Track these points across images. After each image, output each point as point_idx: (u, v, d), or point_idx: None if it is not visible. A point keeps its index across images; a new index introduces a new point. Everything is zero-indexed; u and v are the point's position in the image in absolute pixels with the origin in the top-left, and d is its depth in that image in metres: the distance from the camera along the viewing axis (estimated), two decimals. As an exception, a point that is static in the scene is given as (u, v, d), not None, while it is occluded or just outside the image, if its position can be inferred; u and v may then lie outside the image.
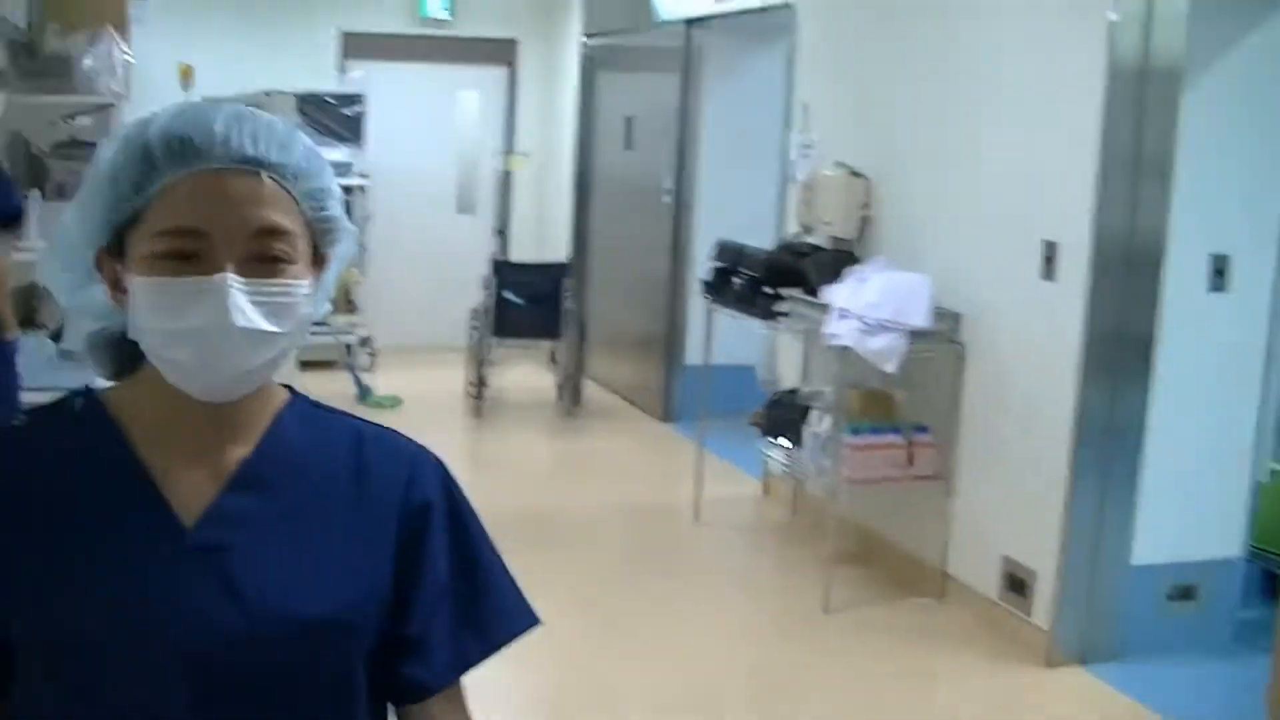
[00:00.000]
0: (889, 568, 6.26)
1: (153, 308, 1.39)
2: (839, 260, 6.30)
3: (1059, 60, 5.26)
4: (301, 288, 1.43)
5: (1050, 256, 5.29)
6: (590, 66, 10.80)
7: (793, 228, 7.14)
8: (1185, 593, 5.38)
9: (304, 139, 1.46)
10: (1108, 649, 5.26)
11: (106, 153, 1.43)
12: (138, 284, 1.40)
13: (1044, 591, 5.33)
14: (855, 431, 5.87)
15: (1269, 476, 5.57)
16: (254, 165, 1.40)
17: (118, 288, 1.45)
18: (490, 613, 1.60)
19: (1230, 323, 5.33)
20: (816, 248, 6.60)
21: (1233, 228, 5.28)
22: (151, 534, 1.44)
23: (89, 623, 1.40)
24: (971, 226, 5.81)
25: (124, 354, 1.50)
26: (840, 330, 5.78)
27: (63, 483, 1.45)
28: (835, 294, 5.94)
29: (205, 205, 1.39)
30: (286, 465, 1.51)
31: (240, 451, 1.49)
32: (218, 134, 1.39)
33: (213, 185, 1.40)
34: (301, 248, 1.44)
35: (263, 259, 1.40)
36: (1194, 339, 5.26)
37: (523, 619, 1.63)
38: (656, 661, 5.39)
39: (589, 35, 10.74)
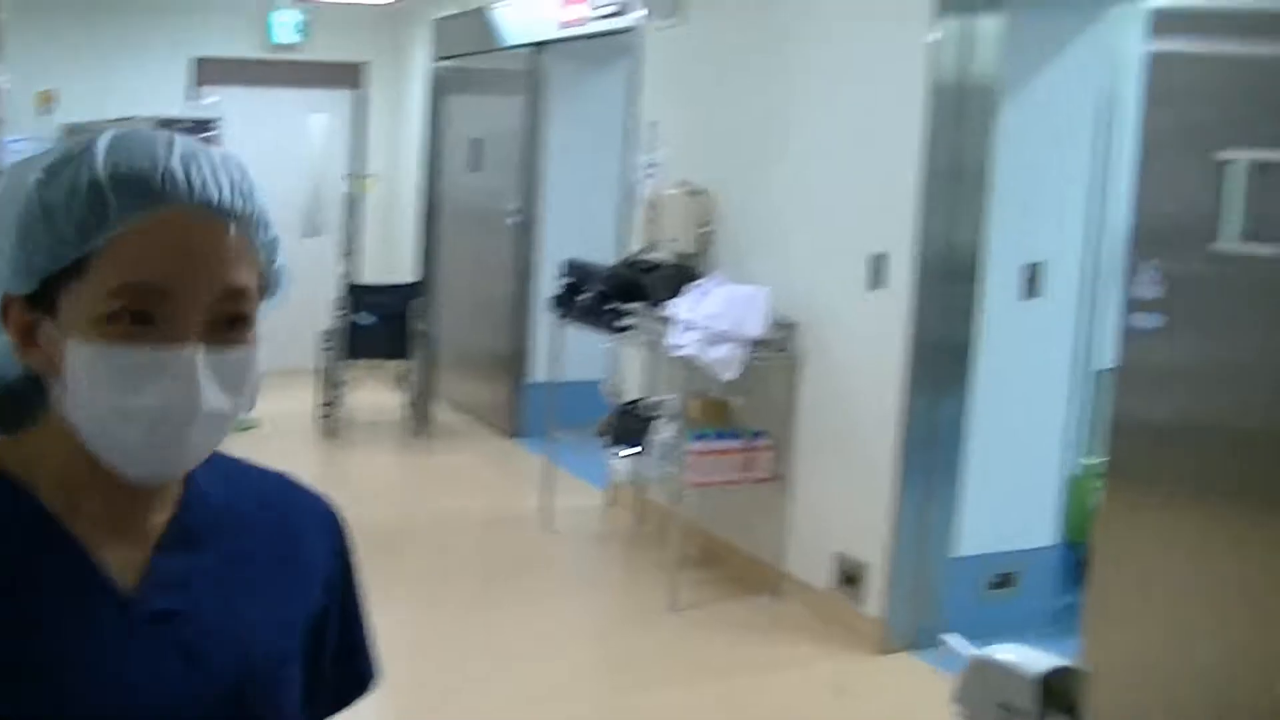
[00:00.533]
0: (731, 567, 6.45)
1: (101, 380, 1.17)
2: (681, 275, 6.49)
3: (884, 79, 5.53)
4: (257, 353, 1.25)
5: (877, 268, 5.54)
6: (439, 89, 10.89)
7: (636, 245, 7.33)
8: (1005, 581, 5.67)
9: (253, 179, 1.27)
10: (934, 635, 5.52)
11: (23, 187, 1.20)
12: (82, 351, 1.17)
13: (875, 583, 5.57)
14: (697, 438, 6.06)
15: (1079, 470, 5.91)
16: (221, 213, 1.20)
17: (29, 341, 1.23)
18: (353, 674, 1.51)
19: (1042, 327, 5.65)
20: (660, 264, 6.79)
21: (1044, 237, 5.60)
22: (95, 608, 1.25)
23: (44, 716, 1.21)
24: (805, 240, 6.05)
25: (13, 407, 1.29)
26: (682, 341, 5.97)
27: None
28: (677, 307, 6.13)
29: (168, 259, 1.18)
30: (211, 523, 1.35)
31: (161, 514, 1.31)
32: (177, 173, 1.18)
33: (177, 236, 1.18)
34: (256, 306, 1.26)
35: (225, 322, 1.21)
36: (1009, 344, 5.55)
37: (373, 679, 1.53)
38: (510, 660, 5.50)
39: (438, 59, 10.83)
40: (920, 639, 5.50)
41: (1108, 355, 4.77)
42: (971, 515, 5.57)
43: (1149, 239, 3.77)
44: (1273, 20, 3.48)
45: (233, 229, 1.21)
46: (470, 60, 10.26)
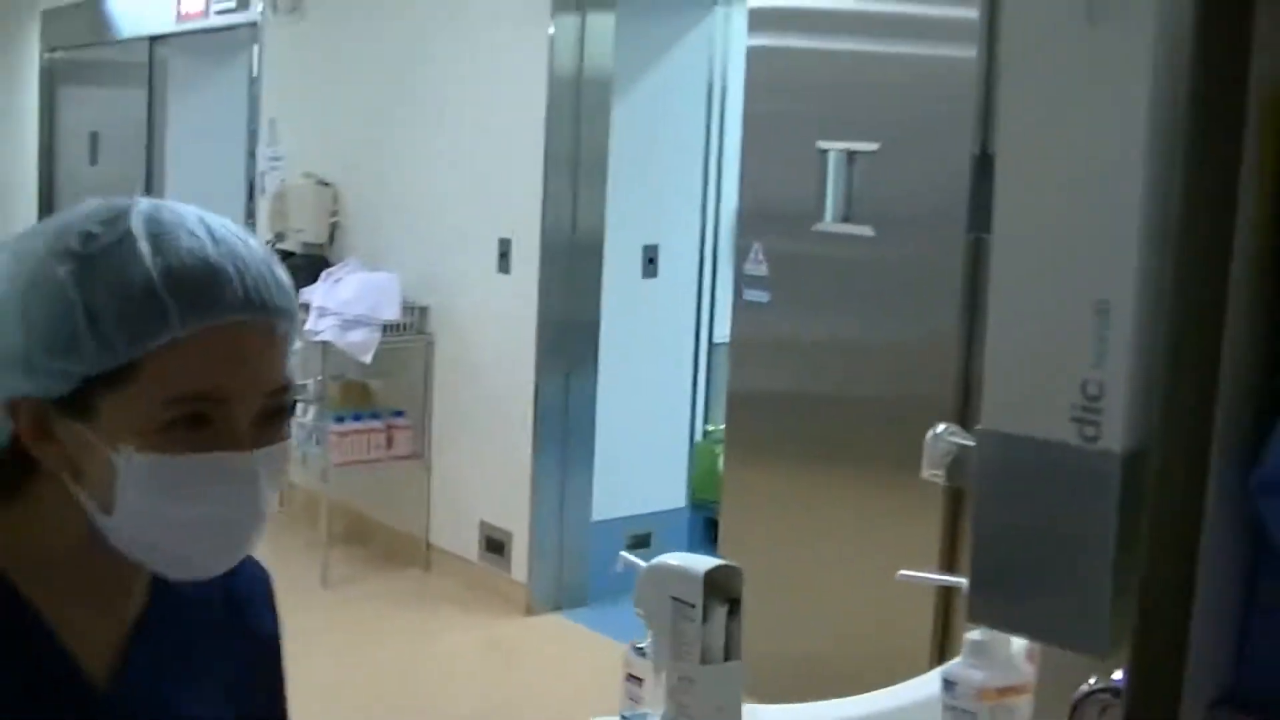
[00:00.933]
0: (380, 544, 6.41)
1: (161, 490, 1.08)
2: (313, 264, 6.39)
3: (507, 70, 5.59)
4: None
5: (505, 252, 5.62)
6: (51, 81, 10.22)
7: (264, 236, 7.11)
8: (640, 541, 5.85)
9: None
10: (578, 595, 5.66)
11: (46, 276, 1.07)
12: (138, 461, 1.06)
13: (519, 550, 5.67)
14: (339, 419, 6.02)
15: (702, 436, 6.16)
16: (271, 315, 1.11)
17: (44, 437, 1.10)
18: None
19: (662, 304, 5.89)
20: (290, 253, 6.62)
21: (660, 220, 5.81)
22: (65, 703, 1.15)
23: None
24: (435, 226, 6.06)
25: None
26: (320, 327, 5.90)
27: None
28: (313, 294, 6.02)
29: (226, 366, 1.09)
30: (176, 602, 1.24)
31: (139, 595, 1.22)
32: (234, 279, 1.08)
33: (234, 342, 1.09)
34: None
35: (270, 417, 1.12)
36: (632, 320, 5.77)
37: None
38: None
39: (49, 49, 10.15)
40: (565, 599, 5.62)
41: (724, 329, 4.98)
42: (607, 481, 5.76)
43: (755, 221, 3.95)
44: (859, 19, 3.70)
45: (280, 327, 1.12)
46: (84, 52, 9.68)
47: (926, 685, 1.84)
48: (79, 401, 1.06)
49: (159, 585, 1.20)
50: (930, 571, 2.89)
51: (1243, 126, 1.02)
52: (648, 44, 5.66)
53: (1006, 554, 1.24)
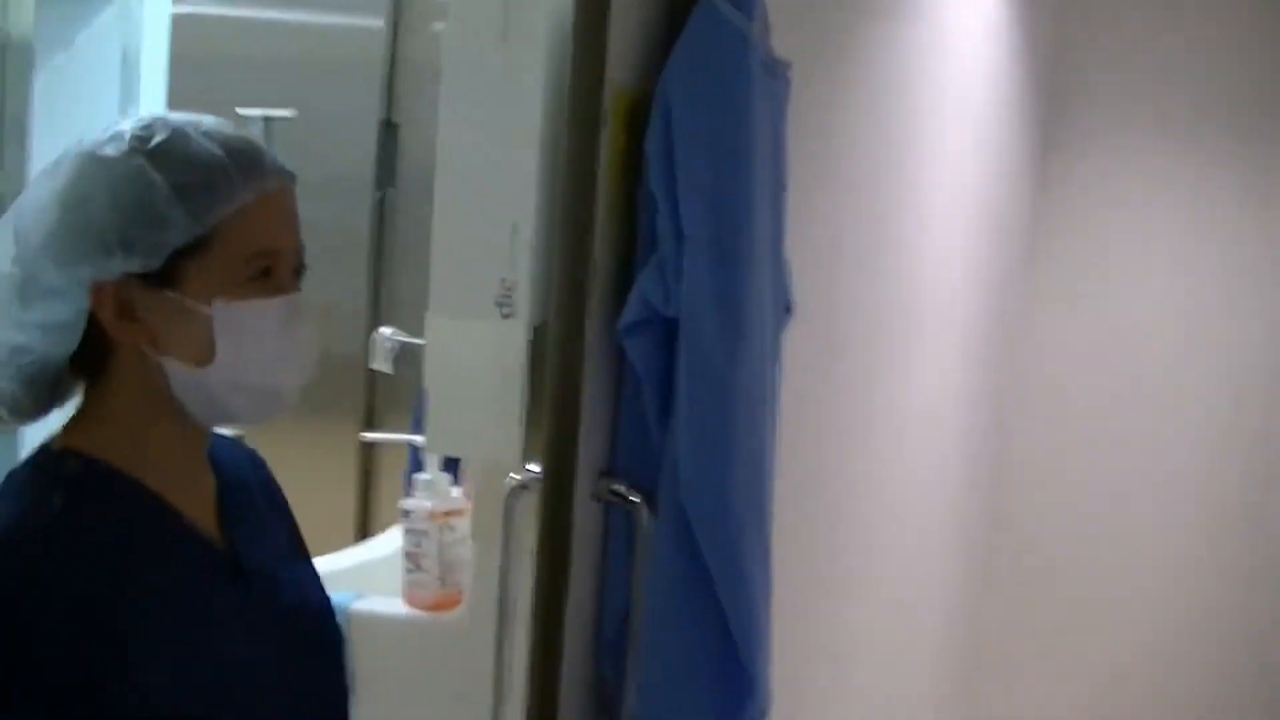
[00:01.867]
0: None
1: (267, 332, 1.21)
2: None
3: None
4: None
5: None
6: None
7: None
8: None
9: None
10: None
11: (122, 173, 1.16)
12: (235, 310, 1.18)
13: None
14: None
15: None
16: (292, 180, 1.25)
17: (124, 316, 1.18)
18: None
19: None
20: None
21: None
22: (208, 572, 1.24)
23: (222, 702, 1.20)
24: None
25: (56, 390, 1.24)
26: None
27: (119, 558, 1.18)
28: None
29: (279, 225, 1.23)
30: (230, 477, 1.32)
31: (208, 478, 1.29)
32: (264, 149, 1.23)
33: (279, 204, 1.23)
34: None
35: (296, 272, 1.25)
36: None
37: None
38: None
39: None
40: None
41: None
42: None
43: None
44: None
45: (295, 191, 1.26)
46: None
47: (392, 539, 2.34)
48: (168, 272, 1.17)
49: (217, 468, 1.30)
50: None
51: (601, 114, 1.63)
52: (68, 10, 5.69)
53: (454, 400, 1.79)
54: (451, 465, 2.14)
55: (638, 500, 1.67)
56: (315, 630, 1.35)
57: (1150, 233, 3.98)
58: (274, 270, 1.21)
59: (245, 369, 1.20)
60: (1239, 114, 3.87)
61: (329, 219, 3.92)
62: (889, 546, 2.97)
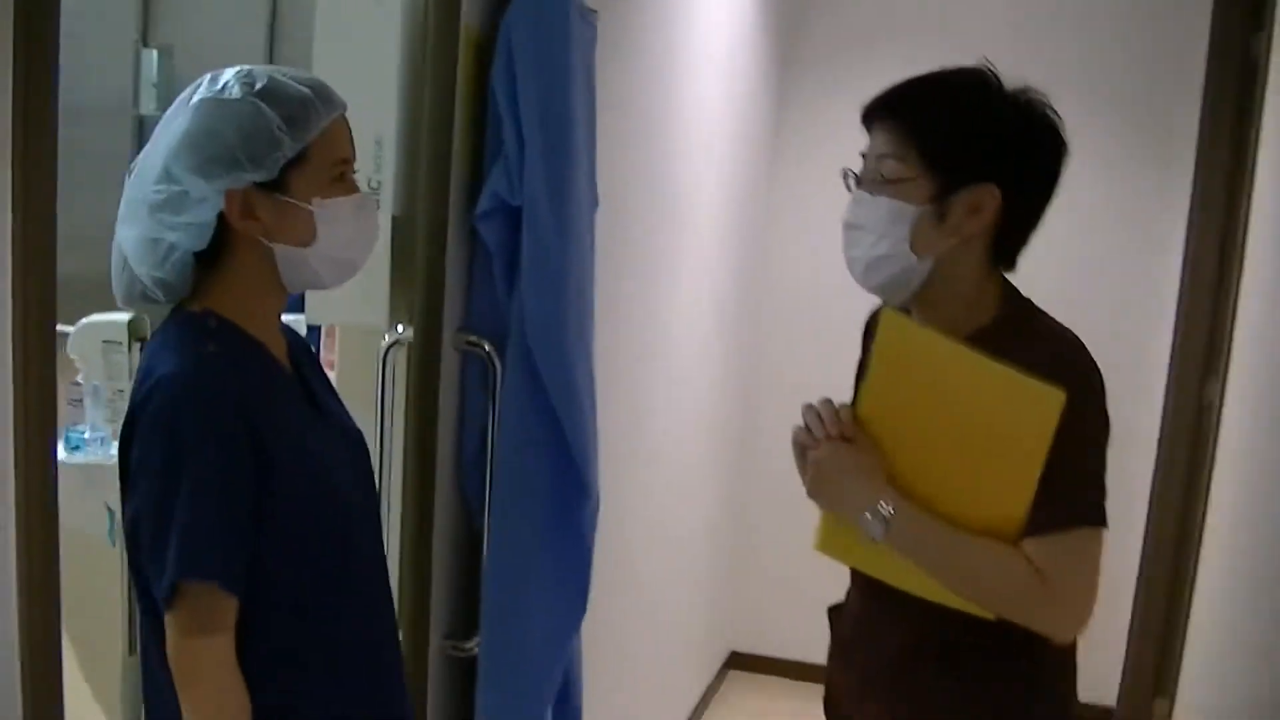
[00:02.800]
0: None
1: (349, 219, 1.61)
2: None
3: None
4: None
5: None
6: None
7: None
8: None
9: None
10: None
11: (239, 110, 1.51)
12: (331, 204, 1.58)
13: None
14: None
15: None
16: (345, 108, 1.63)
17: (247, 215, 1.54)
18: None
19: None
20: None
21: None
22: (307, 409, 1.64)
23: (327, 469, 1.60)
24: None
25: (188, 274, 1.57)
26: None
27: (260, 381, 1.56)
28: None
29: (346, 140, 1.62)
30: (294, 341, 1.73)
31: (281, 334, 1.68)
32: (329, 85, 1.61)
33: (341, 125, 1.61)
34: None
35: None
36: None
37: None
38: None
39: None
40: None
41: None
42: None
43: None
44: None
45: None
46: None
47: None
48: (279, 182, 1.55)
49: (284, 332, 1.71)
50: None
51: (456, 52, 2.07)
52: None
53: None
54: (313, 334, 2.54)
55: (490, 349, 2.15)
56: (359, 443, 1.75)
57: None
58: (345, 174, 1.62)
59: (336, 247, 1.61)
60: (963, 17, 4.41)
61: (91, 142, 3.99)
62: (676, 376, 3.53)
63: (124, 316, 2.34)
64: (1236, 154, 3.43)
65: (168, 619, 1.45)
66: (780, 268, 4.57)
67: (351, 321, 2.31)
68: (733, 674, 4.75)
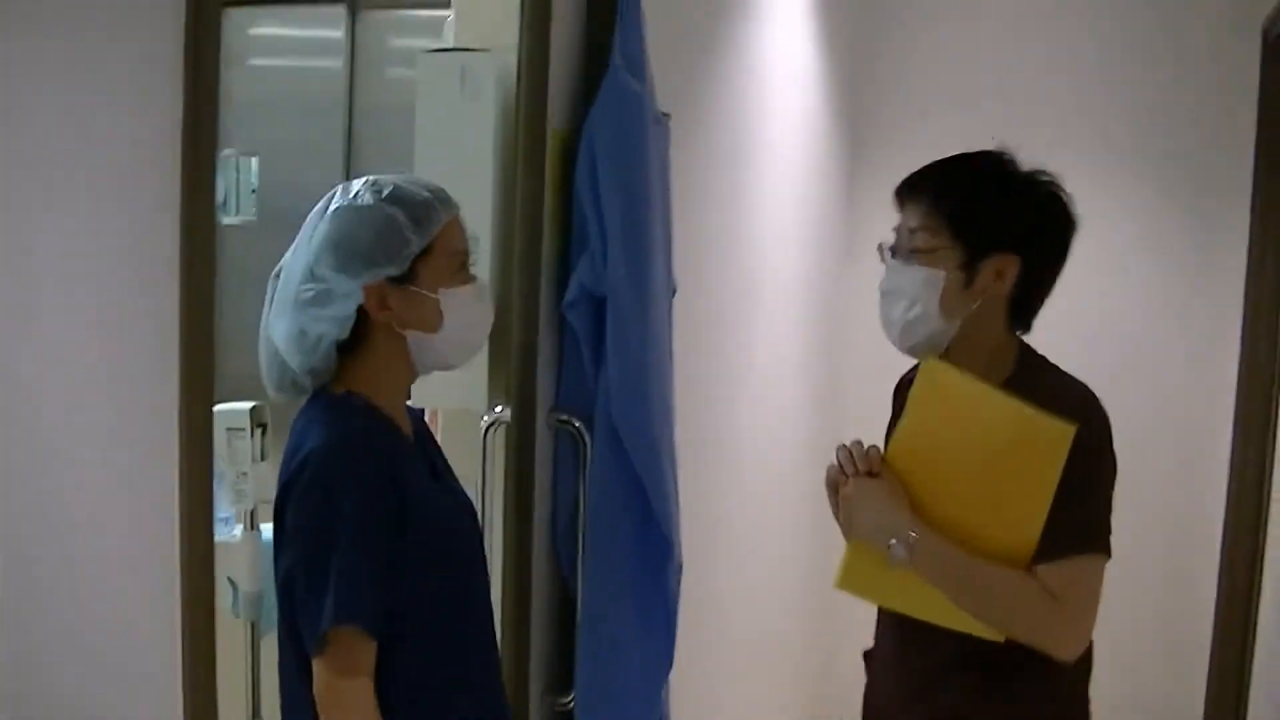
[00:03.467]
0: None
1: (470, 306, 1.80)
2: None
3: None
4: None
5: None
6: None
7: None
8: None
9: None
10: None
11: (375, 215, 1.71)
12: (456, 293, 1.77)
13: None
14: None
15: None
16: (458, 208, 1.82)
17: (384, 307, 1.73)
18: None
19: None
20: None
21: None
22: (428, 477, 1.80)
23: (451, 528, 1.80)
24: None
25: (330, 362, 1.76)
26: None
27: (396, 451, 1.75)
28: None
29: (461, 235, 1.81)
30: (414, 418, 1.92)
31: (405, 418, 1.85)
32: (443, 188, 1.81)
33: (458, 221, 1.81)
34: None
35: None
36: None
37: None
38: None
39: None
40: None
41: None
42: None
43: None
44: None
45: None
46: None
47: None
48: (408, 274, 1.73)
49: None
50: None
51: (545, 151, 2.29)
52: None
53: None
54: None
55: (580, 425, 2.34)
56: (471, 508, 1.93)
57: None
58: (464, 265, 1.82)
59: (460, 331, 1.79)
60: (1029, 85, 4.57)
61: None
62: (753, 456, 3.70)
63: (246, 405, 2.54)
64: None
65: (317, 664, 1.64)
66: (861, 335, 4.72)
67: (453, 405, 2.52)
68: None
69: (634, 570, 2.39)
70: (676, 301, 2.61)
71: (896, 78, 4.68)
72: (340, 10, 3.42)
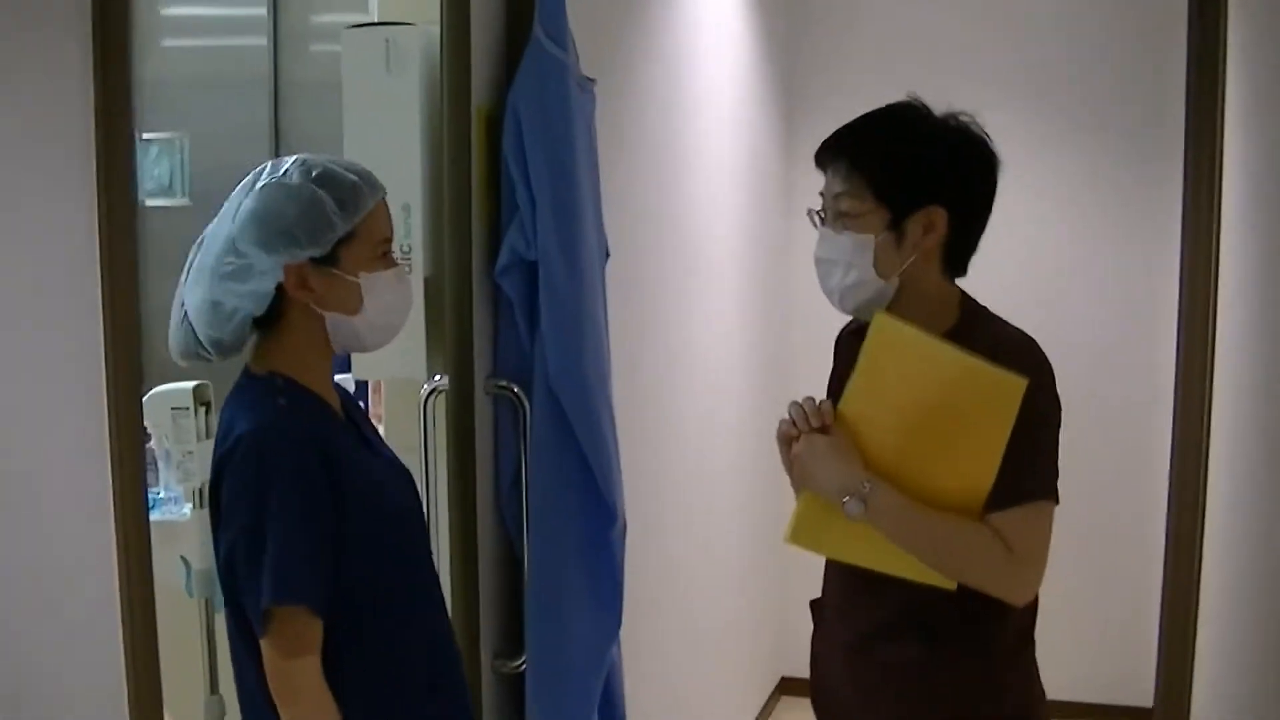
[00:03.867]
0: None
1: (389, 289, 1.82)
2: None
3: None
4: None
5: None
6: None
7: None
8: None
9: None
10: None
11: (299, 195, 1.72)
12: (377, 277, 1.79)
13: None
14: None
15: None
16: (384, 192, 1.84)
17: (303, 287, 1.75)
18: None
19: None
20: None
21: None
22: (360, 446, 1.84)
23: (393, 505, 1.83)
24: None
25: (243, 336, 1.79)
26: None
27: (325, 429, 1.78)
28: None
29: (387, 220, 1.84)
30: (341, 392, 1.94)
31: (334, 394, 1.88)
32: (371, 172, 1.83)
33: (384, 206, 1.83)
34: None
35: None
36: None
37: None
38: None
39: None
40: None
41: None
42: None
43: None
44: None
45: None
46: None
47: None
48: (331, 257, 1.75)
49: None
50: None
51: (470, 122, 2.31)
52: None
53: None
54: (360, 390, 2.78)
55: (518, 391, 2.37)
56: (407, 474, 1.96)
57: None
58: (387, 251, 1.84)
59: (379, 314, 1.82)
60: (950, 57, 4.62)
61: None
62: (706, 401, 3.74)
63: (189, 385, 2.57)
64: (1212, 157, 3.58)
65: (264, 644, 1.67)
66: (806, 294, 4.78)
67: (394, 375, 2.55)
68: (785, 700, 4.90)
69: (578, 531, 2.42)
70: (612, 266, 2.64)
71: (829, 34, 4.72)
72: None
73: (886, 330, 1.84)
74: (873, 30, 4.67)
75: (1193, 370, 3.81)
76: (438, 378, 2.40)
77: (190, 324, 1.77)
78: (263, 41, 3.43)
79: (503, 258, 2.32)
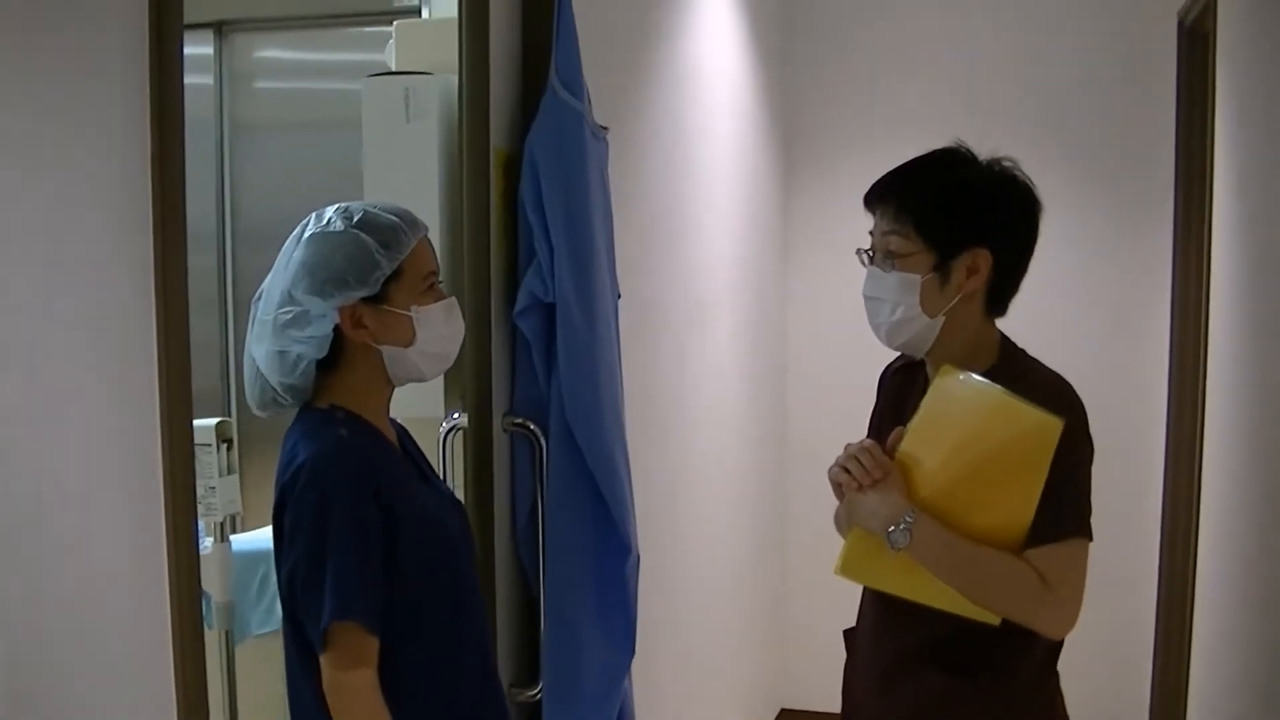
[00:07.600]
0: None
1: (441, 321, 1.93)
2: None
3: None
4: None
5: None
6: None
7: None
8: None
9: None
10: None
11: (345, 240, 1.84)
12: (426, 310, 1.90)
13: None
14: None
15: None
16: (426, 230, 1.95)
17: (357, 325, 1.87)
18: None
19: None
20: None
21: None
22: (416, 479, 1.96)
23: (444, 537, 1.92)
24: None
25: (309, 380, 1.90)
26: None
27: (382, 459, 1.88)
28: None
29: (430, 256, 1.95)
30: (398, 427, 2.06)
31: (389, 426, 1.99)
32: (411, 212, 1.94)
33: (426, 244, 1.94)
34: None
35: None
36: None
37: None
38: None
39: None
40: None
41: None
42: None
43: None
44: None
45: None
46: None
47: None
48: (380, 295, 1.87)
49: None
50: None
51: (489, 169, 2.41)
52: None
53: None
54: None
55: (534, 428, 2.46)
56: (458, 505, 2.09)
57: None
58: (434, 284, 1.95)
59: (433, 344, 1.93)
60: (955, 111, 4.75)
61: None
62: (709, 441, 3.84)
63: (212, 421, 2.65)
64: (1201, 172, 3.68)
65: (323, 659, 1.77)
66: (801, 333, 4.90)
67: (414, 414, 2.63)
68: (784, 731, 4.97)
69: (592, 564, 2.51)
70: (622, 305, 2.73)
71: (822, 75, 4.85)
72: (206, 31, 3.36)
73: (949, 381, 1.93)
74: (863, 70, 4.79)
75: (1184, 405, 3.92)
76: (456, 415, 2.48)
77: (264, 376, 1.89)
78: (208, 80, 3.39)
79: (521, 300, 2.42)
